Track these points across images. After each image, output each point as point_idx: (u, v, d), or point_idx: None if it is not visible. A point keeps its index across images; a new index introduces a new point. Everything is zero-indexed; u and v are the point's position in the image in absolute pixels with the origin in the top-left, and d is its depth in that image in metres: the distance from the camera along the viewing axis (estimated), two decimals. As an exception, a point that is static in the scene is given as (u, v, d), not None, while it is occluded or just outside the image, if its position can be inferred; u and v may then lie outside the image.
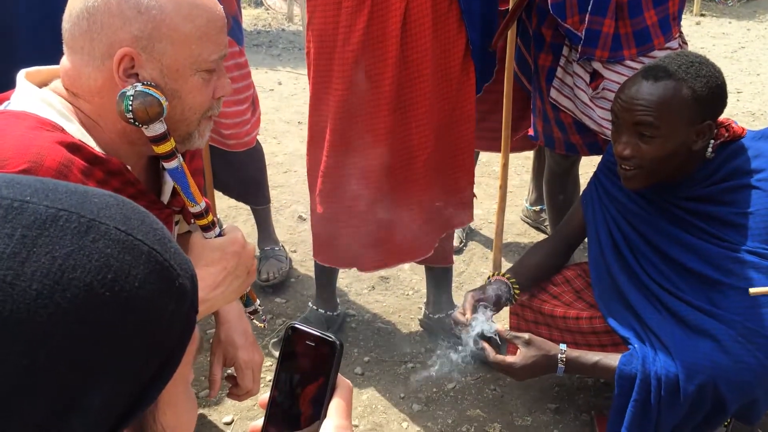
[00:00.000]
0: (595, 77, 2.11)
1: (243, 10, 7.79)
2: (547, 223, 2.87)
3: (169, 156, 1.05)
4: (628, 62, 2.04)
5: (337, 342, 0.65)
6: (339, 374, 0.67)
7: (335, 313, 2.31)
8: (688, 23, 7.73)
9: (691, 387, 1.47)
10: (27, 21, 1.98)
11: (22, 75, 1.09)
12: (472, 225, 3.10)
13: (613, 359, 1.55)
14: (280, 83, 5.34)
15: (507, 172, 2.45)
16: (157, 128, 1.02)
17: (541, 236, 2.88)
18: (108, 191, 0.56)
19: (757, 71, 5.91)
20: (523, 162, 3.79)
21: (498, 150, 2.57)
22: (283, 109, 4.77)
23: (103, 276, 0.49)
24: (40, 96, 1.04)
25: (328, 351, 0.65)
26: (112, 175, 1.03)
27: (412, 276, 2.66)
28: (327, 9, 1.82)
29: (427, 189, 1.96)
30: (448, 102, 1.94)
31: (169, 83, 1.05)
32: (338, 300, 2.38)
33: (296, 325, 0.67)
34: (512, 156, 3.74)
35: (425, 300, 2.37)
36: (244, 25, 7.19)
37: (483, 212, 3.22)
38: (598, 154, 2.25)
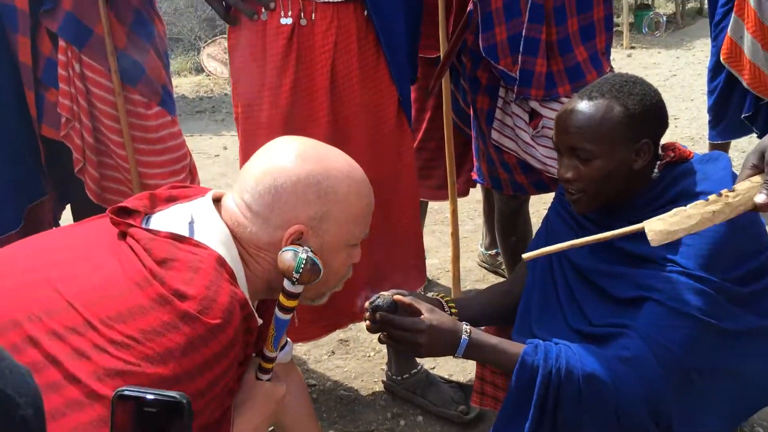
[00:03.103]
0: (534, 116, 2.10)
1: (184, 78, 7.79)
2: (504, 266, 2.82)
3: (288, 310, 1.15)
4: (564, 99, 2.03)
5: (184, 400, 0.56)
6: None
7: (293, 385, 2.19)
8: (619, 56, 8.00)
9: (593, 393, 1.38)
10: None
11: (210, 196, 1.21)
12: (429, 275, 3.02)
13: (516, 346, 1.45)
14: (225, 148, 5.27)
15: (457, 218, 2.40)
16: (299, 288, 1.13)
17: (501, 280, 2.82)
18: None
19: (690, 97, 6.10)
20: (474, 206, 3.76)
21: (444, 198, 2.54)
22: (230, 174, 4.68)
23: None
24: (222, 239, 1.13)
25: (174, 413, 0.56)
26: (250, 332, 1.12)
27: (372, 336, 2.56)
28: (251, 72, 1.76)
29: (371, 252, 1.87)
30: (388, 156, 1.88)
31: (324, 255, 1.15)
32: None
33: (125, 392, 0.57)
34: (463, 201, 3.73)
35: (387, 361, 2.26)
36: (187, 93, 7.17)
37: (439, 261, 3.16)
38: (546, 191, 2.22)
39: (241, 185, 1.16)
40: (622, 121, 1.48)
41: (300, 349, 2.48)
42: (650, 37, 9.37)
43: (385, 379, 2.25)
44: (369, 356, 2.46)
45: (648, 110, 1.50)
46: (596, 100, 1.50)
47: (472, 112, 2.28)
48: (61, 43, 2.11)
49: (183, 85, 7.42)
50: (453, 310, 1.65)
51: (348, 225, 1.17)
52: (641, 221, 1.59)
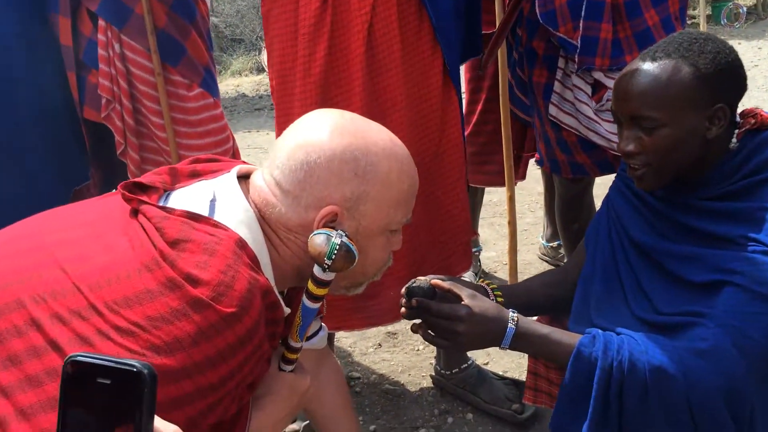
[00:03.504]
0: (598, 88, 1.91)
1: (246, 77, 7.82)
2: (566, 259, 2.62)
3: (317, 299, 1.06)
4: (632, 68, 1.84)
5: (145, 370, 0.48)
6: (158, 417, 0.50)
7: (337, 378, 2.07)
8: (696, 47, 7.58)
9: (662, 389, 1.21)
10: None
11: (235, 171, 1.10)
12: (486, 268, 2.86)
13: (571, 337, 1.29)
14: (282, 144, 5.24)
15: (514, 205, 2.23)
16: (331, 276, 1.03)
17: (562, 273, 2.62)
18: None
19: (775, 86, 5.70)
20: (536, 198, 3.57)
21: (501, 184, 2.37)
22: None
23: None
24: (245, 219, 1.03)
25: (134, 386, 0.48)
26: (275, 322, 1.02)
27: (422, 329, 2.42)
28: (284, 40, 1.65)
29: (414, 234, 1.72)
30: (431, 130, 1.73)
31: (360, 240, 1.05)
32: (340, 362, 2.14)
33: (79, 358, 0.49)
34: (524, 192, 3.55)
35: (435, 355, 2.12)
36: (247, 91, 7.21)
37: (497, 254, 2.99)
38: (610, 173, 2.03)
39: (272, 161, 1.06)
40: (692, 83, 1.28)
41: (346, 341, 2.36)
42: (729, 28, 8.87)
43: (433, 374, 2.11)
44: (418, 350, 2.31)
45: (722, 70, 1.30)
46: (661, 60, 1.30)
47: (528, 88, 2.11)
48: (101, 23, 2.08)
49: (244, 84, 7.48)
50: (499, 299, 1.49)
51: (388, 208, 1.06)
52: (715, 197, 1.39)
